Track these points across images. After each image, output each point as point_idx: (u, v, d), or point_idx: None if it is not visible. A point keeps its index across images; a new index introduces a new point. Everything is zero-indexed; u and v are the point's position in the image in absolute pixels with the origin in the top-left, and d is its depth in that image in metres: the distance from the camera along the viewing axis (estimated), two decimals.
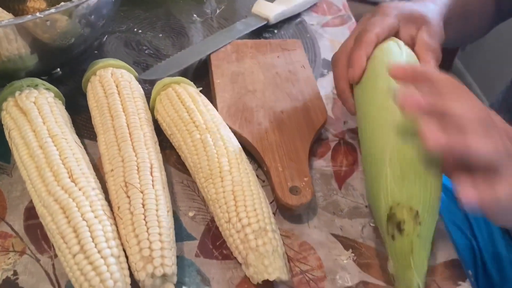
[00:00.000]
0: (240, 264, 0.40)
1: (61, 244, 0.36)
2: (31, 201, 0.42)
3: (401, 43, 0.47)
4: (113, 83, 0.47)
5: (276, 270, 0.37)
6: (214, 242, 0.42)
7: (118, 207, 0.39)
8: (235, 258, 0.40)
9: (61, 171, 0.39)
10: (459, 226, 0.66)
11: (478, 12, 0.61)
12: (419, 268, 0.37)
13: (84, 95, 0.51)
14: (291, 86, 0.54)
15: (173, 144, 0.47)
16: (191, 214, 0.44)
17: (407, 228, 0.36)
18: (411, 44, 0.47)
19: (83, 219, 0.36)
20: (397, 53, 0.45)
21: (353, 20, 0.72)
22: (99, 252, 0.35)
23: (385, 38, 0.47)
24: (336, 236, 0.43)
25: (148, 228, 0.37)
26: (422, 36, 0.47)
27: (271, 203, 0.44)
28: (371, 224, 0.45)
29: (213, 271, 0.40)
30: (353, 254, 0.42)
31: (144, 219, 0.37)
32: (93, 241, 0.35)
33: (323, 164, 0.50)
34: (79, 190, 0.38)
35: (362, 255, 0.42)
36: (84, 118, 0.50)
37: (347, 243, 0.43)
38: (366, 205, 0.46)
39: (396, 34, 0.48)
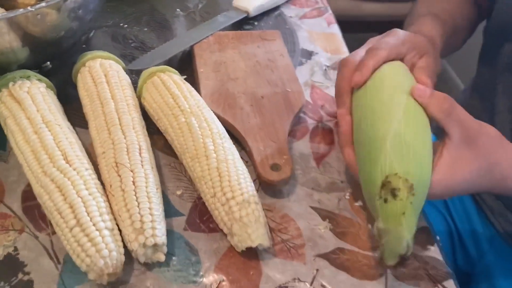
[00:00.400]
0: (226, 236, 0.43)
1: (58, 219, 0.39)
2: (28, 185, 0.45)
3: (405, 67, 0.50)
4: (102, 73, 0.50)
5: (258, 238, 0.40)
6: (201, 217, 0.45)
7: (110, 185, 0.42)
8: (221, 230, 0.43)
9: (56, 154, 0.42)
10: (435, 205, 0.70)
11: (465, 25, 0.64)
12: (409, 229, 0.39)
13: (74, 87, 0.53)
14: (271, 73, 0.57)
15: (160, 128, 0.50)
16: (178, 192, 0.47)
17: (401, 194, 0.38)
18: (411, 69, 0.51)
19: (78, 196, 0.39)
20: (403, 73, 0.48)
21: (330, 11, 0.76)
22: (94, 225, 0.38)
23: (393, 59, 0.50)
24: (314, 208, 0.47)
25: (139, 203, 0.40)
26: (423, 63, 0.50)
27: (254, 181, 0.48)
28: (347, 197, 0.48)
29: (200, 243, 0.43)
30: (330, 224, 0.46)
31: (135, 195, 0.40)
32: (88, 215, 0.38)
33: (302, 145, 0.53)
34: (74, 170, 0.41)
35: (338, 224, 0.46)
36: (75, 108, 0.53)
37: (324, 214, 0.46)
38: (342, 181, 0.50)
39: (401, 59, 0.51)
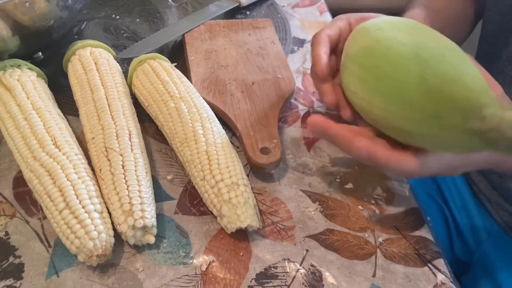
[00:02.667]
0: (216, 218, 0.43)
1: (48, 203, 0.39)
2: (19, 171, 0.45)
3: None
4: (92, 61, 0.50)
5: (247, 218, 0.40)
6: (192, 201, 0.45)
7: (100, 170, 0.42)
8: (211, 213, 0.43)
9: (46, 139, 0.42)
10: (431, 194, 0.70)
11: (458, 17, 0.63)
12: None
13: (65, 77, 0.54)
14: (262, 60, 0.58)
15: (150, 115, 0.50)
16: (169, 177, 0.47)
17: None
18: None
19: (68, 180, 0.39)
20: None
21: (322, 0, 0.76)
22: (83, 207, 0.38)
23: (337, 39, 0.48)
24: (304, 191, 0.47)
25: (128, 186, 0.40)
26: None
27: (245, 166, 0.48)
28: (337, 180, 0.48)
29: (191, 225, 0.43)
30: (320, 206, 0.46)
31: (124, 179, 0.41)
32: (77, 198, 0.39)
33: (293, 130, 0.54)
34: (63, 155, 0.41)
35: (328, 206, 0.46)
36: (66, 97, 0.53)
37: (314, 197, 0.47)
38: (332, 165, 0.50)
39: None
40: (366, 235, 0.44)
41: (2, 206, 0.43)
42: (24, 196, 0.44)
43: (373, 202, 0.47)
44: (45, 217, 0.42)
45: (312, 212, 0.45)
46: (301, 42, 0.67)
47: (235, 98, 0.52)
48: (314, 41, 0.47)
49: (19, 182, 0.45)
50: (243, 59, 0.58)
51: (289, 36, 0.67)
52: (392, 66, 0.38)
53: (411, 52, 0.38)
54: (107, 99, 0.47)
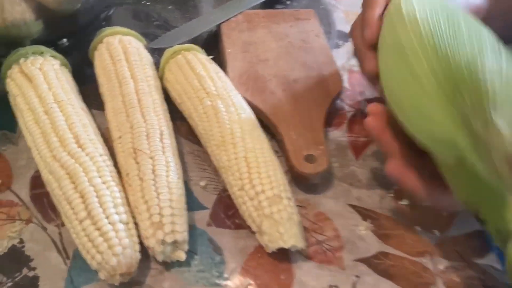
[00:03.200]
0: (254, 233, 0.38)
1: (67, 210, 0.34)
2: (37, 170, 0.40)
3: None
4: (120, 50, 0.45)
5: (291, 238, 0.35)
6: (226, 212, 0.40)
7: (127, 174, 0.37)
8: (248, 227, 0.38)
9: (67, 137, 0.37)
10: None
11: None
12: None
13: (91, 66, 0.49)
14: (305, 55, 0.52)
15: (183, 113, 0.45)
16: (202, 183, 0.42)
17: None
18: None
19: (90, 185, 0.35)
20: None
21: None
22: (107, 217, 0.34)
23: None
24: (353, 206, 0.42)
25: (158, 194, 0.35)
26: None
27: (285, 173, 0.43)
28: (390, 194, 0.43)
29: (225, 240, 0.38)
30: (372, 225, 0.40)
31: (154, 185, 0.36)
32: (100, 207, 0.34)
33: (339, 134, 0.48)
34: (86, 155, 0.37)
35: (381, 226, 0.40)
36: (91, 89, 0.49)
37: (365, 213, 0.41)
38: (384, 176, 0.44)
39: None
40: (425, 261, 0.38)
41: (18, 209, 0.39)
42: (42, 199, 0.40)
43: (432, 221, 0.41)
44: (63, 224, 0.37)
45: (363, 232, 0.40)
46: (346, 37, 0.61)
47: (275, 96, 0.47)
48: (368, 1, 0.42)
49: (37, 182, 0.40)
50: (284, 53, 0.52)
51: (333, 30, 0.62)
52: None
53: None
54: (136, 93, 0.42)
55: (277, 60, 0.51)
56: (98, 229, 0.33)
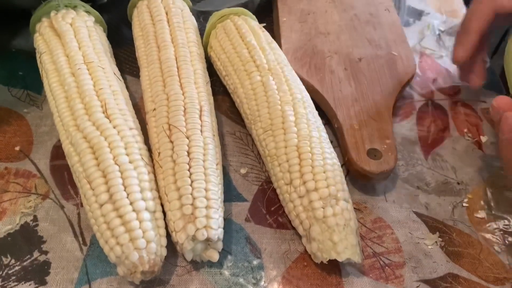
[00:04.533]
0: (300, 237, 0.32)
1: (87, 190, 0.29)
2: (60, 140, 0.36)
3: None
4: (162, 9, 0.40)
5: (347, 250, 0.29)
6: (269, 207, 0.34)
7: (159, 153, 0.32)
8: (293, 228, 0.33)
9: (94, 104, 0.32)
10: None
11: None
12: None
13: (129, 27, 0.44)
14: (372, 31, 0.45)
15: (227, 87, 0.39)
16: (243, 171, 0.36)
17: None
18: None
19: (115, 163, 0.30)
20: None
21: None
22: (131, 203, 0.28)
23: None
24: (419, 215, 0.35)
25: (192, 181, 0.30)
26: None
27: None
28: (464, 204, 0.36)
29: (265, 240, 0.33)
30: (441, 239, 0.34)
31: (189, 170, 0.30)
32: (125, 190, 0.29)
33: (406, 127, 0.41)
34: (113, 128, 0.31)
35: (451, 241, 0.34)
36: (127, 52, 0.44)
37: (433, 225, 0.34)
38: (459, 182, 0.37)
39: None
40: None
41: (35, 181, 0.34)
42: (63, 172, 0.35)
43: None
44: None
45: (430, 247, 0.33)
46: (418, 14, 0.53)
47: (335, 76, 0.40)
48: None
49: (59, 153, 0.36)
50: (349, 27, 0.45)
51: (403, 5, 0.54)
52: None
53: None
54: (176, 60, 0.36)
55: (340, 35, 0.44)
56: (120, 216, 0.28)
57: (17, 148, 0.36)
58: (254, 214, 0.34)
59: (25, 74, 0.42)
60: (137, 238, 0.27)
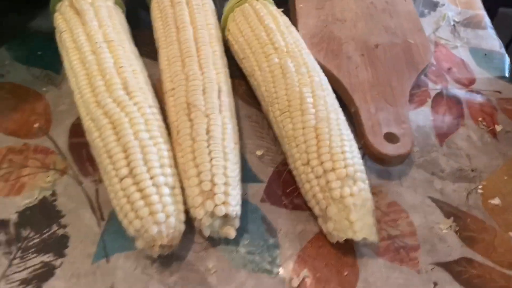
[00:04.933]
0: (315, 218, 0.32)
1: (107, 165, 0.30)
2: (78, 118, 0.36)
3: None
4: None
5: (363, 229, 0.29)
6: (284, 188, 0.35)
7: (178, 131, 0.32)
8: (308, 209, 0.33)
9: (115, 81, 0.33)
10: None
11: None
12: None
13: (146, 10, 0.44)
14: (389, 19, 0.45)
15: (244, 70, 0.40)
16: (259, 152, 0.37)
17: None
18: None
19: (136, 139, 0.30)
20: None
21: None
22: (151, 178, 0.29)
23: None
24: (434, 200, 0.35)
25: (211, 159, 0.30)
26: None
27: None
28: (479, 191, 0.36)
29: (280, 221, 0.33)
30: (455, 224, 0.34)
31: (208, 148, 0.31)
32: (145, 165, 0.29)
33: (421, 114, 0.41)
34: (134, 105, 0.32)
35: (466, 227, 0.34)
36: (145, 35, 0.44)
37: (448, 210, 0.35)
38: (473, 169, 0.37)
39: None
40: None
41: (53, 158, 0.35)
42: (81, 149, 0.35)
43: None
44: (101, 180, 0.33)
45: (444, 231, 0.33)
46: (433, 5, 0.53)
47: (352, 62, 0.40)
48: None
49: (77, 131, 0.36)
50: (365, 15, 0.45)
51: None
52: None
53: None
54: (195, 42, 0.36)
55: (356, 22, 0.44)
56: (140, 190, 0.28)
57: (36, 126, 0.37)
58: (269, 195, 0.34)
59: (43, 54, 0.42)
60: (156, 212, 0.28)
